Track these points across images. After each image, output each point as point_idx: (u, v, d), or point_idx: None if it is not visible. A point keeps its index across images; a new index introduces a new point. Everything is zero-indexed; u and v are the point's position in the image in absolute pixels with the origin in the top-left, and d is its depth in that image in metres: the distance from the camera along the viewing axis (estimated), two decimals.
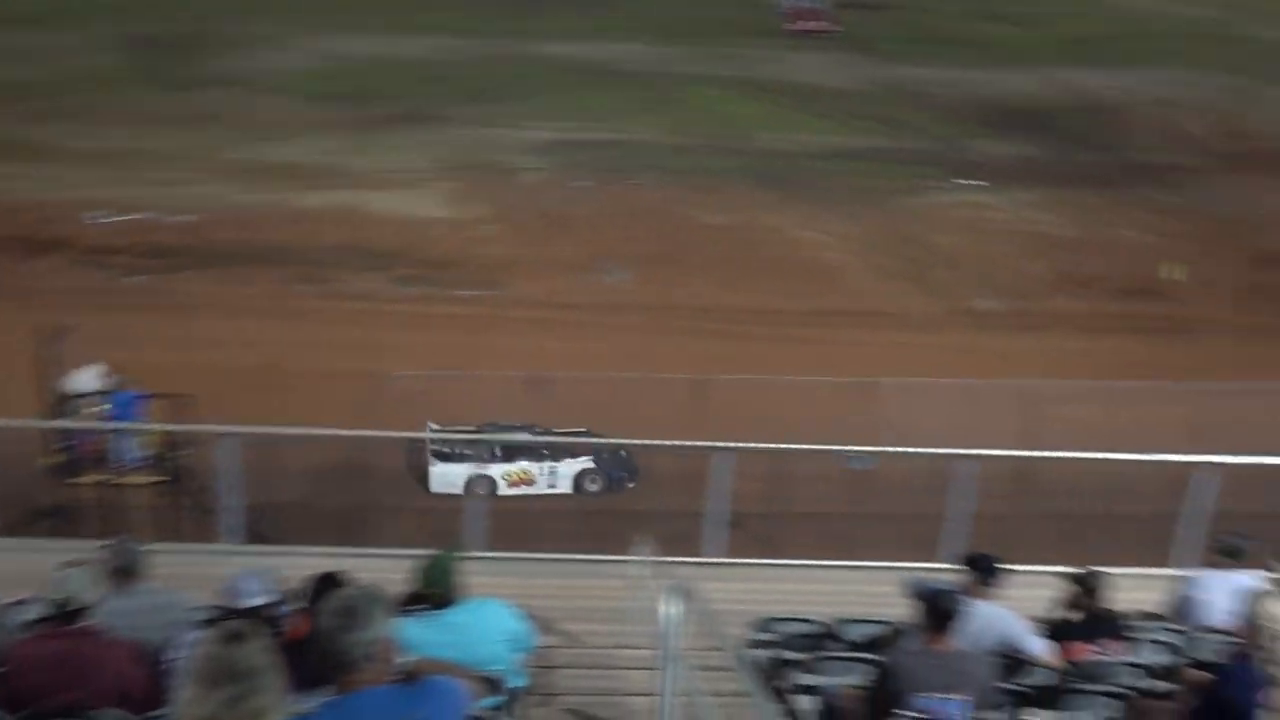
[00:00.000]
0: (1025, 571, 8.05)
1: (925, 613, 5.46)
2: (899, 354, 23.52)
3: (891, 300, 27.34)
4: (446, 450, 18.90)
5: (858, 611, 7.41)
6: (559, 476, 19.94)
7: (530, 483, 19.75)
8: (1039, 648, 6.42)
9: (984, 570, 6.58)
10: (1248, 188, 36.01)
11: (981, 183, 34.97)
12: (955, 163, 36.76)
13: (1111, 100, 45.64)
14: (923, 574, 7.03)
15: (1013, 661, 6.22)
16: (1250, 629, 5.58)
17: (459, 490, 17.25)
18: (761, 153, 37.00)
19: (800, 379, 19.82)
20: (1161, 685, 6.24)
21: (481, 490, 16.45)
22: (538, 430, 18.86)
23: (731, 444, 9.91)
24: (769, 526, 15.16)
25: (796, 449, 11.66)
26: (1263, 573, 7.67)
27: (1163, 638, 7.16)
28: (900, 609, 6.12)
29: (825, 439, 14.91)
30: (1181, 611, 7.82)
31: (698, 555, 9.66)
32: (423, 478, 19.16)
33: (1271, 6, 65.03)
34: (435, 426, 17.14)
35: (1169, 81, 48.58)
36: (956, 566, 6.83)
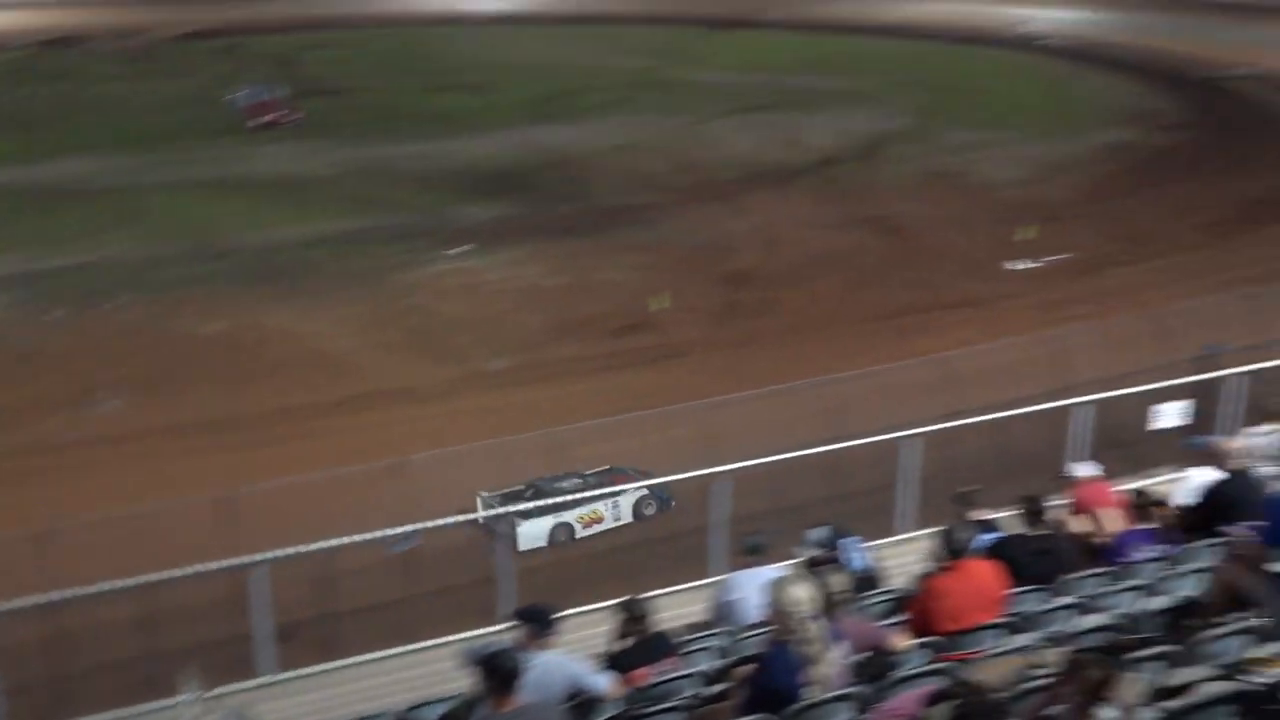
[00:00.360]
0: (579, 613, 8.33)
1: (486, 677, 5.53)
2: (426, 426, 23.64)
3: (407, 375, 27.43)
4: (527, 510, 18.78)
5: (428, 694, 7.37)
6: (621, 509, 20.87)
7: (600, 520, 20.84)
8: (603, 683, 6.65)
9: (537, 621, 6.75)
10: (708, 216, 39.49)
11: (470, 247, 35.96)
12: (442, 232, 37.58)
13: (577, 152, 48.55)
14: (481, 640, 7.11)
15: (582, 703, 6.41)
16: (779, 616, 6.08)
17: (544, 543, 19.23)
18: (247, 252, 35.98)
19: (331, 472, 19.40)
20: (716, 688, 6.66)
21: (562, 537, 19.15)
22: (582, 476, 20.45)
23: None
24: (323, 630, 14.72)
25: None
26: (787, 561, 8.40)
27: (711, 643, 7.65)
28: (466, 681, 6.15)
29: (368, 527, 14.68)
30: (722, 615, 8.39)
31: (251, 677, 9.23)
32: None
33: (690, 52, 71.99)
34: (486, 494, 19.32)
35: (623, 128, 52.46)
36: (511, 624, 6.96)
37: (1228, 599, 6.57)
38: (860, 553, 9.17)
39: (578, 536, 20.20)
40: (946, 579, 7.42)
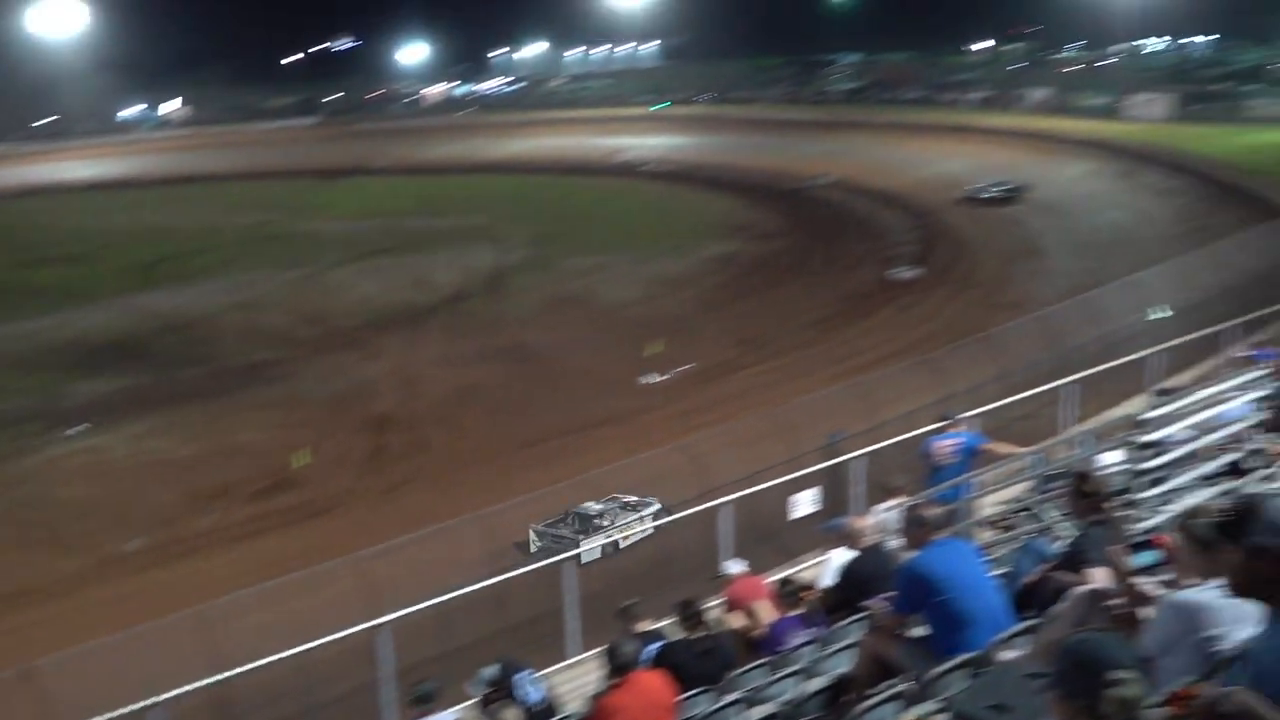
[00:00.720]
0: None
1: None
2: (55, 626, 21.75)
3: (26, 574, 25.20)
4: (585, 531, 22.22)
5: None
6: (646, 523, 22.74)
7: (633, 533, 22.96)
8: None
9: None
10: (341, 364, 38.95)
11: (88, 425, 33.74)
12: (55, 413, 35.07)
13: (195, 314, 46.81)
14: None
15: None
16: None
17: (598, 555, 21.11)
18: None
19: None
20: None
21: (610, 550, 21.59)
22: (618, 503, 23.20)
23: None
24: None
25: None
26: (461, 705, 8.32)
27: None
28: None
29: None
30: None
31: None
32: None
33: (303, 204, 71.48)
34: (537, 526, 22.56)
35: (244, 285, 51.16)
36: None
37: (875, 669, 7.05)
38: (535, 685, 9.21)
39: (621, 548, 22.24)
40: (617, 696, 7.56)
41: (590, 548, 21.16)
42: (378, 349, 40.68)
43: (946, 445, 13.65)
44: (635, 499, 23.19)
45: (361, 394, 35.77)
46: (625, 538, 22.19)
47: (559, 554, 18.19)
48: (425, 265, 53.06)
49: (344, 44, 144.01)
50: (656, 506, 22.95)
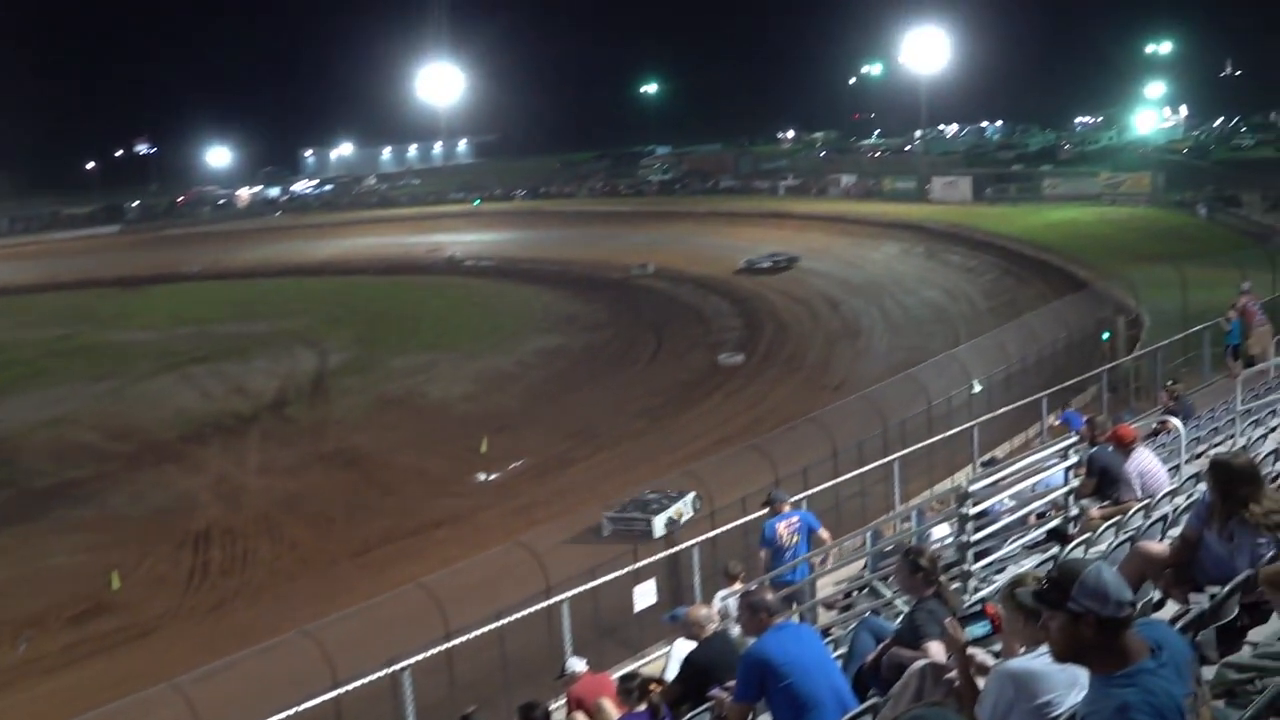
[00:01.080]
0: None
1: None
2: None
3: None
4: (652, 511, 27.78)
5: None
6: (690, 507, 28.02)
7: (682, 515, 27.83)
8: None
9: None
10: (160, 479, 37.61)
11: None
12: None
13: (1, 434, 44.56)
14: None
15: None
16: None
17: (664, 531, 26.66)
18: None
19: None
20: None
21: (673, 529, 26.35)
22: (661, 492, 28.48)
23: None
24: None
25: None
26: None
27: None
28: None
29: None
30: None
31: None
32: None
33: (109, 314, 69.16)
34: (609, 513, 27.93)
35: (51, 401, 48.97)
36: None
37: None
38: None
39: (681, 525, 26.87)
40: None
41: (659, 523, 27.14)
42: (197, 461, 39.46)
43: (784, 527, 13.92)
44: (676, 491, 28.42)
45: (181, 509, 34.58)
46: (679, 515, 27.61)
47: (631, 534, 26.12)
48: (243, 372, 51.80)
49: (145, 148, 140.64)
50: (693, 495, 28.04)
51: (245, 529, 32.54)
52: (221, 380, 50.63)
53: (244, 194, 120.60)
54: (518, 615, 14.80)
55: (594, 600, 16.19)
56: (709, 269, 66.35)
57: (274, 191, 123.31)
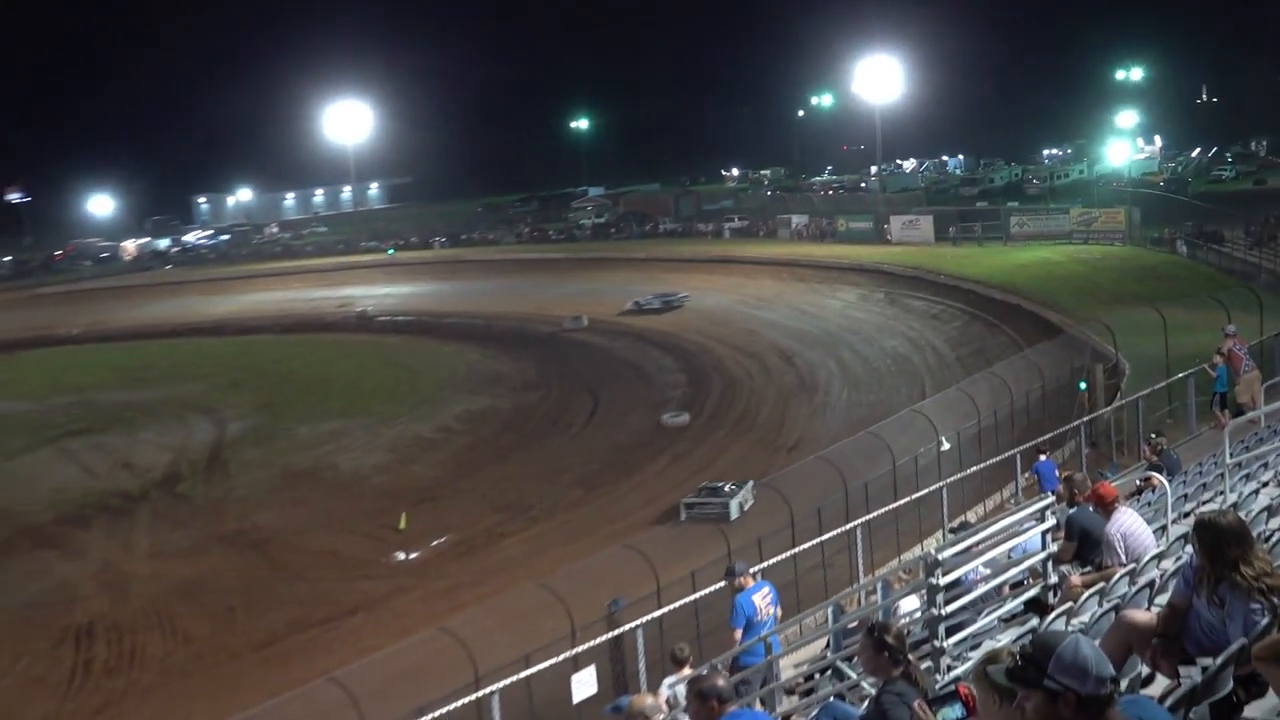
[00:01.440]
0: None
1: None
2: None
3: None
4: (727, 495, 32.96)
5: None
6: (750, 494, 33.03)
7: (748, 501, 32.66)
8: None
9: None
10: (34, 567, 36.85)
11: None
12: None
13: None
14: None
15: None
16: None
17: (739, 514, 31.67)
18: None
19: None
20: None
21: (739, 511, 31.97)
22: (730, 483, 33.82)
23: None
24: None
25: None
26: None
27: None
28: None
29: None
30: None
31: None
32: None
33: None
34: (687, 500, 33.61)
35: None
36: None
37: None
38: None
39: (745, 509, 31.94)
40: None
41: (735, 505, 32.05)
42: (78, 546, 38.71)
43: (760, 599, 13.88)
44: (736, 481, 34.00)
45: (60, 601, 33.87)
46: (745, 500, 32.43)
47: (707, 518, 30.94)
48: (130, 445, 51.02)
49: (17, 196, 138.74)
50: (752, 483, 33.26)
51: (133, 622, 31.92)
52: (105, 455, 49.83)
53: (130, 246, 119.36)
54: (443, 710, 14.64)
55: (528, 690, 16.07)
56: (652, 321, 66.64)
57: (163, 243, 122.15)
